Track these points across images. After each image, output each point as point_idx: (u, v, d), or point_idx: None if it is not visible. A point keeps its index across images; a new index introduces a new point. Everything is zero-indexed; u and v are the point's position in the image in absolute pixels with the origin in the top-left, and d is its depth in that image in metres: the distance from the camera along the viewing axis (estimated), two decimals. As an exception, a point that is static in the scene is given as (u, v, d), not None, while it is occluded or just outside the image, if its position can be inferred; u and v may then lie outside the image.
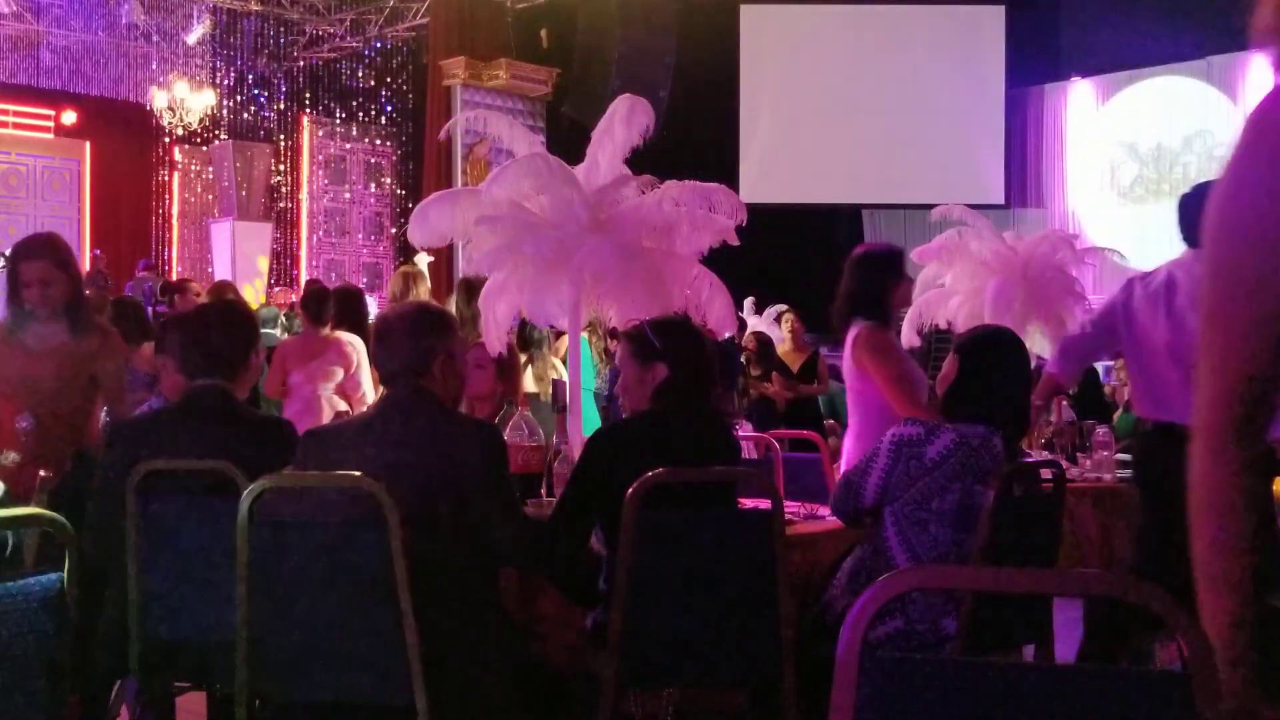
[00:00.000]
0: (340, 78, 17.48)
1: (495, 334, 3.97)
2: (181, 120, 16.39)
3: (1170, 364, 3.75)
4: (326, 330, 5.89)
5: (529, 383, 5.50)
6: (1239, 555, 1.20)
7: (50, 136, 16.23)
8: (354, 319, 6.21)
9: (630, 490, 2.59)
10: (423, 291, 6.26)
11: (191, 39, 16.70)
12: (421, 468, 2.60)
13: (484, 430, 2.76)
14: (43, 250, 3.81)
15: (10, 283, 3.78)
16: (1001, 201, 14.63)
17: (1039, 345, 5.57)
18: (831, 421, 8.27)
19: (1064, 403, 5.50)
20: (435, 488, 2.59)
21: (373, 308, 8.25)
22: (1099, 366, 11.48)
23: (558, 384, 6.23)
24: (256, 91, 17.62)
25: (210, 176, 17.28)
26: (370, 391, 5.82)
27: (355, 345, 5.83)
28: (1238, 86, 13.95)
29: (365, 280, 16.69)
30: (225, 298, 6.44)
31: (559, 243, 3.78)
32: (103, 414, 3.94)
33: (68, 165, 16.37)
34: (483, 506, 2.63)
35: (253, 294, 14.18)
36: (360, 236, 17.78)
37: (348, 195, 17.63)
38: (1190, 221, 3.70)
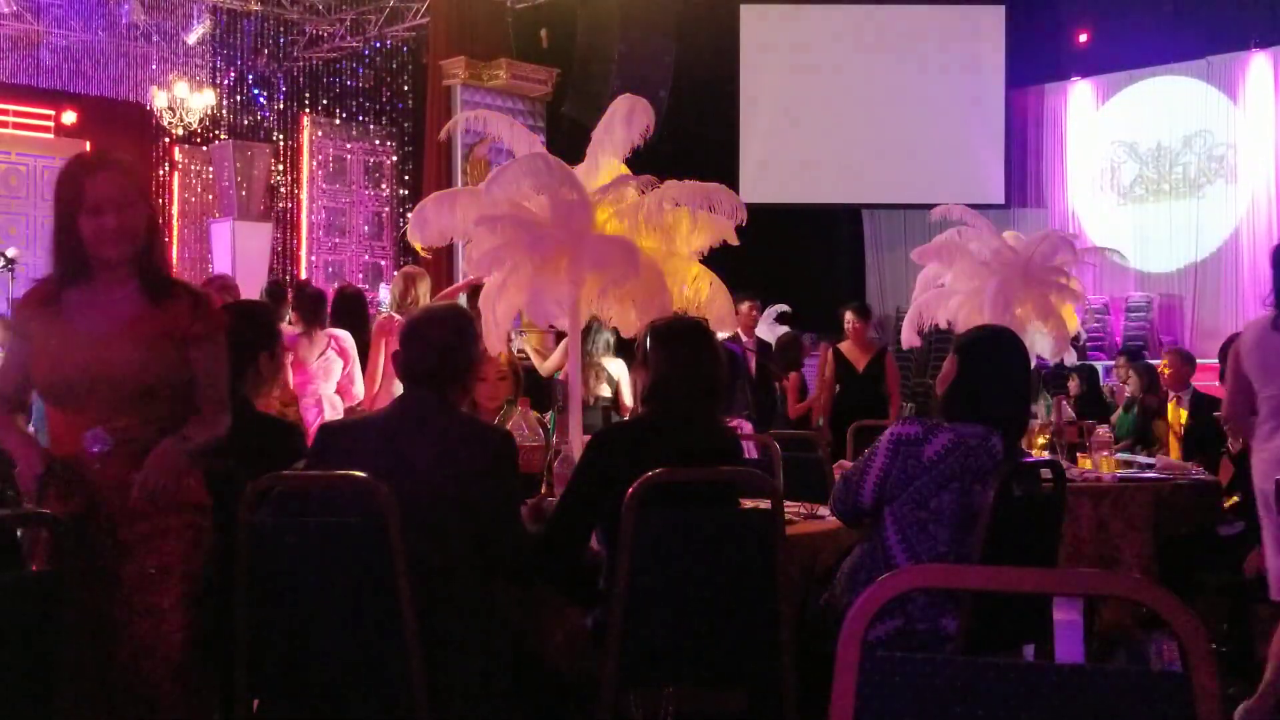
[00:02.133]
0: (340, 78, 17.47)
1: (496, 334, 3.97)
2: (181, 120, 16.38)
3: None
4: (320, 330, 5.92)
5: (602, 388, 5.59)
6: None
7: (50, 136, 16.22)
8: (355, 320, 6.24)
9: (630, 491, 2.59)
10: (423, 292, 6.26)
11: (191, 39, 16.70)
12: (432, 469, 2.60)
13: (498, 436, 2.75)
14: (115, 164, 2.63)
15: (61, 222, 2.59)
16: (1001, 201, 14.63)
17: (1039, 345, 5.57)
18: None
19: (1064, 403, 5.50)
20: (443, 490, 2.59)
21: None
22: (1099, 366, 11.49)
23: (557, 384, 6.23)
24: (256, 91, 17.62)
25: (210, 176, 17.27)
26: (362, 390, 5.85)
27: (348, 342, 5.87)
28: (1237, 86, 13.95)
29: (365, 280, 16.69)
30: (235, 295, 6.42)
31: (559, 243, 3.78)
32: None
33: (68, 165, 16.36)
34: (487, 513, 2.63)
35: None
36: (360, 236, 17.76)
37: (348, 195, 17.62)
38: None
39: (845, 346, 7.98)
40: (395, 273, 6.48)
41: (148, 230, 2.62)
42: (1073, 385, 9.19)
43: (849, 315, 7.98)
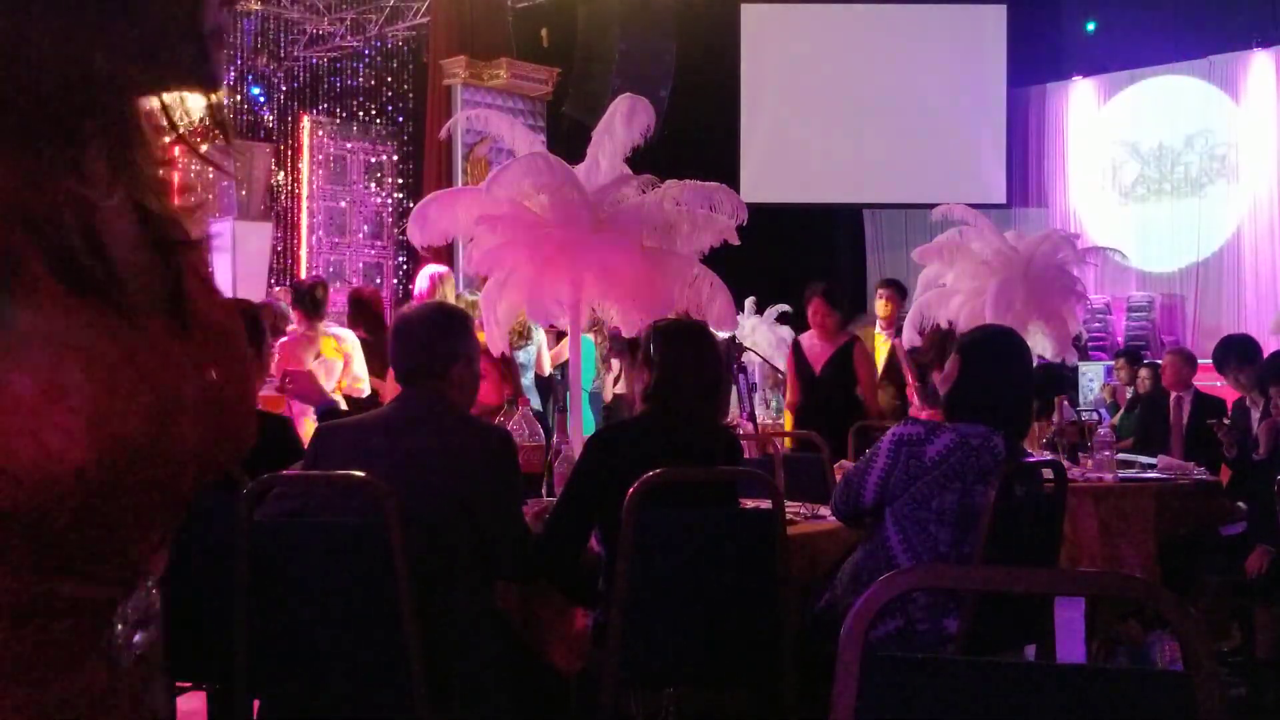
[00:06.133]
0: (340, 77, 17.47)
1: (497, 334, 3.96)
2: (181, 120, 16.37)
3: None
4: (321, 325, 5.93)
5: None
6: None
7: (50, 136, 16.24)
8: (372, 321, 6.30)
9: (630, 491, 2.59)
10: (448, 292, 6.23)
11: (192, 39, 16.70)
12: (431, 469, 2.60)
13: (496, 436, 2.75)
14: None
15: None
16: (1003, 201, 14.61)
17: (1040, 345, 5.57)
18: None
19: (1064, 402, 5.50)
20: (442, 489, 2.59)
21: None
22: (1100, 366, 11.48)
23: (557, 384, 6.23)
24: (256, 91, 17.62)
25: (210, 176, 17.26)
26: (366, 386, 5.86)
27: (349, 338, 5.90)
28: (1239, 86, 13.93)
29: (364, 280, 16.69)
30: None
31: (559, 242, 3.78)
32: None
33: (68, 165, 16.37)
34: (487, 513, 2.63)
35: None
36: (360, 236, 17.76)
37: (348, 195, 17.62)
38: None
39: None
40: (422, 272, 6.43)
41: None
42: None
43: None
